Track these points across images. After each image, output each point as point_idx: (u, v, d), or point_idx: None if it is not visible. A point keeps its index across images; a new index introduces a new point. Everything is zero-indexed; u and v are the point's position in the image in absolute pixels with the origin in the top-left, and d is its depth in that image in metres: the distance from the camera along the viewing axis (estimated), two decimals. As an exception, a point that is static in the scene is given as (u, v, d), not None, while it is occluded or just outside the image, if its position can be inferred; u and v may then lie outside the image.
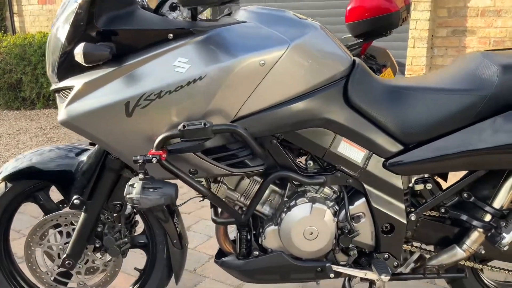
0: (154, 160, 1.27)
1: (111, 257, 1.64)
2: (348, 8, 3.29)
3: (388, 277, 1.46)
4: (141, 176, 1.26)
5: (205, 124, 1.27)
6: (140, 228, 1.73)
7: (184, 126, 1.27)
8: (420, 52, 4.48)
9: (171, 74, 1.29)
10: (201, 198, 1.46)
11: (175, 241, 1.63)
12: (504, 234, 1.42)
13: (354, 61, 1.47)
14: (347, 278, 1.68)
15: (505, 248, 1.43)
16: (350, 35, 3.41)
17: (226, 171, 1.38)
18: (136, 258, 1.97)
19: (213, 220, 1.56)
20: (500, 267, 1.64)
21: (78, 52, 1.27)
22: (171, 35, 1.30)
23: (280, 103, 1.36)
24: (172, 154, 1.33)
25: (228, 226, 1.63)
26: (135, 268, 1.76)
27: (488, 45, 4.28)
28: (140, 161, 1.27)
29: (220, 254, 1.64)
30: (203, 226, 2.68)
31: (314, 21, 1.47)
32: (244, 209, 1.53)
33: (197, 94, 1.29)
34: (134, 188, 1.26)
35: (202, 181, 1.50)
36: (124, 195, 1.27)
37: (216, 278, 2.15)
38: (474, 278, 1.71)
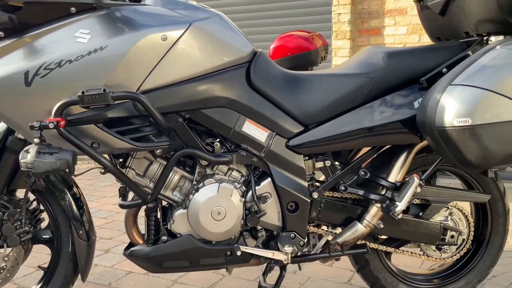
0: (51, 125, 1.26)
1: (11, 250, 1.55)
2: (272, 47, 3.51)
3: (291, 249, 1.49)
4: (36, 140, 1.25)
5: (104, 90, 1.29)
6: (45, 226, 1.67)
7: (83, 92, 1.29)
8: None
9: (72, 44, 1.32)
10: (103, 170, 1.44)
11: (80, 232, 1.58)
12: (397, 203, 1.51)
13: (257, 51, 1.57)
14: (262, 272, 1.69)
15: (399, 217, 1.51)
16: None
17: (129, 145, 1.39)
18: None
19: (120, 205, 1.54)
20: (404, 250, 1.71)
21: None
22: (74, 9, 1.34)
23: (184, 81, 1.42)
24: (73, 125, 1.33)
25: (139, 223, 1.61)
26: (39, 266, 1.67)
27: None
28: (36, 126, 1.25)
29: (130, 247, 1.61)
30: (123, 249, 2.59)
31: (217, 11, 1.58)
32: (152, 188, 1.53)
33: (97, 64, 1.32)
34: (28, 153, 1.23)
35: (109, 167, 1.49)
36: (19, 160, 1.24)
37: (132, 291, 2.07)
38: (382, 264, 1.77)
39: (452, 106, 1.27)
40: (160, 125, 1.40)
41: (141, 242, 1.60)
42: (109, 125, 1.39)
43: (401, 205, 1.50)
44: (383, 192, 1.57)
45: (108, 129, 1.37)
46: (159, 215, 1.58)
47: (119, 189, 1.58)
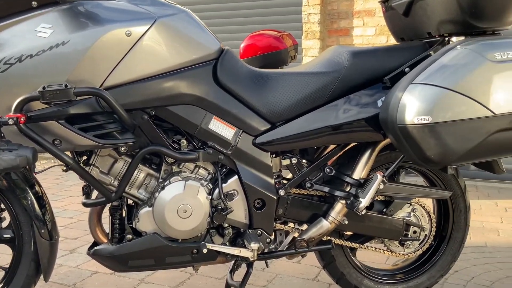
0: (10, 121, 1.23)
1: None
2: (242, 45, 3.52)
3: (257, 245, 1.49)
4: (-5, 137, 1.22)
5: (66, 86, 1.27)
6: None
7: (44, 88, 1.26)
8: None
9: (33, 39, 1.29)
10: (64, 168, 1.41)
11: (42, 231, 1.54)
12: (361, 199, 1.54)
13: (224, 48, 1.57)
14: (230, 269, 1.69)
15: (362, 213, 1.54)
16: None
17: (92, 142, 1.37)
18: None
19: (83, 204, 1.52)
20: (368, 245, 1.75)
21: None
22: (35, 3, 1.31)
23: (150, 77, 1.41)
24: (33, 122, 1.30)
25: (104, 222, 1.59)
26: (0, 266, 1.62)
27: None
28: (-5, 122, 1.22)
29: (94, 246, 1.58)
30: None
31: (184, 8, 1.57)
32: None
33: (59, 59, 1.29)
34: (-13, 150, 1.20)
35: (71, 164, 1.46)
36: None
37: (97, 291, 2.04)
38: (347, 260, 1.80)
39: (413, 104, 1.30)
40: (124, 122, 1.38)
41: (105, 241, 1.58)
42: (72, 122, 1.36)
43: (364, 202, 1.53)
44: (347, 189, 1.60)
45: (70, 125, 1.35)
46: (124, 214, 1.57)
47: (82, 187, 1.56)
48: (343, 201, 1.59)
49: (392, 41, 4.77)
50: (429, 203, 1.83)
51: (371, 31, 4.81)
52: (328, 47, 4.88)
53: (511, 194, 3.91)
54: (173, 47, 1.42)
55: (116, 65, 1.36)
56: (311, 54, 4.90)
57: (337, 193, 1.58)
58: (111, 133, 1.42)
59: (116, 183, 1.51)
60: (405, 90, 1.33)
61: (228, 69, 1.52)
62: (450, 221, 1.85)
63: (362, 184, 1.58)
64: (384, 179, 1.56)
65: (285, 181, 1.63)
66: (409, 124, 1.30)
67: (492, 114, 1.29)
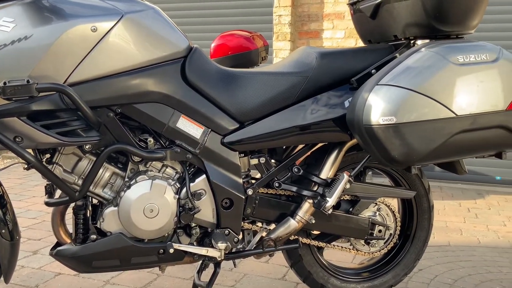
0: (-32, 118, 1.18)
1: None
2: (213, 45, 3.51)
3: (225, 245, 1.49)
4: (-49, 134, 1.17)
5: (28, 81, 1.23)
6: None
7: (4, 83, 1.22)
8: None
9: (-6, 32, 1.25)
10: (26, 166, 1.37)
11: (3, 231, 1.49)
12: (327, 198, 1.55)
13: (192, 47, 1.56)
14: (197, 269, 1.68)
15: (329, 212, 1.56)
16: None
17: (55, 140, 1.33)
18: None
19: (46, 203, 1.48)
20: (335, 244, 1.77)
21: None
22: (-4, -5, 1.27)
23: (116, 74, 1.38)
24: (-6, 118, 1.26)
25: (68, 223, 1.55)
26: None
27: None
28: (-48, 118, 1.18)
29: (57, 247, 1.54)
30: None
31: (153, 4, 1.55)
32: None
33: (21, 54, 1.26)
34: None
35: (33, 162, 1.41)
36: None
37: (61, 293, 1.99)
38: (314, 259, 1.81)
39: (378, 105, 1.32)
40: (89, 119, 1.35)
41: (68, 241, 1.54)
42: (34, 119, 1.32)
43: (331, 201, 1.54)
44: (315, 189, 1.61)
45: (32, 122, 1.31)
46: (88, 213, 1.53)
47: (45, 187, 1.51)
48: (311, 201, 1.60)
49: (360, 44, 4.85)
50: (394, 202, 1.87)
51: (341, 34, 4.87)
52: (298, 49, 4.94)
53: (474, 194, 4.03)
54: (140, 44, 1.40)
55: (81, 61, 1.33)
56: (282, 55, 4.92)
57: (305, 192, 1.59)
58: (75, 130, 1.38)
59: (80, 182, 1.48)
60: (371, 91, 1.35)
61: (197, 68, 1.51)
62: (414, 220, 1.89)
63: (329, 184, 1.60)
64: (350, 178, 1.58)
65: (253, 181, 1.62)
66: (375, 124, 1.32)
67: (454, 116, 1.33)
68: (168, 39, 1.47)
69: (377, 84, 1.35)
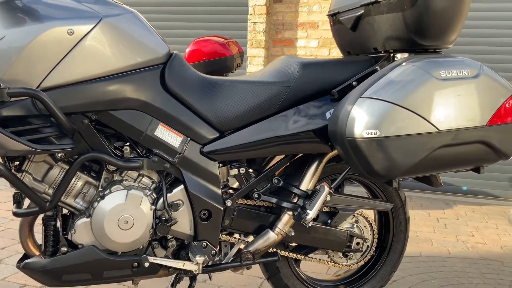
0: None
1: None
2: (187, 50, 3.46)
3: (203, 259, 1.45)
4: None
5: (-1, 85, 1.17)
6: None
7: (-27, 87, 1.15)
8: (255, 99, 4.82)
9: (-36, 33, 1.18)
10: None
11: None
12: (308, 211, 1.53)
13: (172, 53, 1.52)
14: (171, 282, 1.62)
15: (309, 224, 1.54)
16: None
17: (26, 148, 1.26)
18: None
19: (14, 213, 1.40)
20: (312, 257, 1.74)
21: None
22: (-34, -6, 1.20)
23: (92, 79, 1.33)
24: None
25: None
26: None
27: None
28: None
29: (24, 259, 1.46)
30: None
31: (132, 8, 1.50)
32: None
33: (-7, 56, 1.19)
34: None
35: (2, 170, 1.34)
36: None
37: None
38: (291, 271, 1.78)
39: (361, 118, 1.31)
40: (62, 126, 1.29)
41: (37, 253, 1.46)
42: (4, 125, 1.25)
43: (311, 213, 1.52)
44: (295, 200, 1.59)
45: (2, 129, 1.24)
46: (58, 224, 1.46)
47: (13, 195, 1.44)
48: (290, 213, 1.57)
49: (334, 54, 4.89)
50: (371, 214, 1.87)
51: (314, 43, 4.91)
52: (272, 57, 4.94)
53: (442, 205, 4.11)
54: (118, 49, 1.35)
55: (56, 65, 1.27)
56: (256, 62, 4.91)
57: (285, 204, 1.57)
58: (47, 138, 1.32)
59: (50, 191, 1.40)
60: (354, 103, 1.34)
61: (177, 74, 1.47)
62: (391, 232, 1.89)
63: (310, 196, 1.58)
64: (331, 190, 1.57)
65: (232, 191, 1.59)
66: (358, 137, 1.31)
67: (436, 130, 1.33)
68: (147, 44, 1.43)
69: (360, 97, 1.34)
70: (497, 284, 2.36)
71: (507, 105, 1.40)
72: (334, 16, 1.79)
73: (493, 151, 1.42)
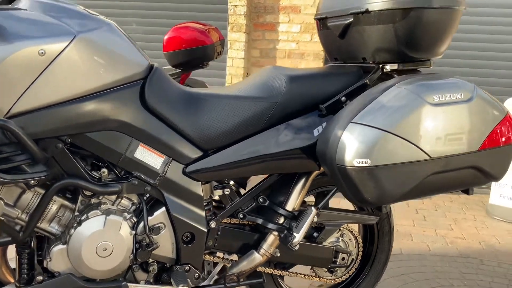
0: None
1: None
2: (166, 37, 3.32)
3: (186, 286, 1.40)
4: None
5: (-37, 116, 1.07)
6: None
7: None
8: (236, 87, 4.73)
9: None
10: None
11: None
12: (294, 234, 1.49)
13: (152, 66, 1.43)
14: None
15: (296, 248, 1.50)
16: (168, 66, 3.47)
17: (-5, 178, 1.18)
18: None
19: (-16, 243, 1.31)
20: (297, 272, 1.72)
21: None
22: None
23: (67, 101, 1.24)
24: None
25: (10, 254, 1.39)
26: None
27: (294, 83, 4.73)
28: None
29: (-2, 286, 1.39)
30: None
31: (109, 20, 1.40)
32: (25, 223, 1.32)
33: (-45, 82, 1.09)
34: None
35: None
36: None
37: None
38: (275, 286, 1.76)
39: (352, 145, 1.26)
40: (34, 156, 1.20)
41: (12, 280, 1.40)
42: (-30, 155, 1.16)
43: (298, 237, 1.48)
44: (281, 221, 1.54)
45: (-32, 159, 1.15)
46: (33, 251, 1.38)
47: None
48: (276, 233, 1.53)
49: (316, 39, 4.79)
50: (355, 226, 1.84)
51: (296, 28, 4.80)
52: (253, 41, 4.81)
53: (421, 195, 4.14)
54: (95, 67, 1.26)
55: (27, 89, 1.17)
56: (237, 47, 4.78)
57: (270, 225, 1.52)
58: (19, 166, 1.23)
59: (24, 216, 1.32)
60: (345, 128, 1.29)
61: (157, 91, 1.39)
62: (375, 243, 1.87)
63: (296, 217, 1.53)
64: (318, 211, 1.53)
65: (216, 211, 1.53)
66: (348, 165, 1.26)
67: (428, 158, 1.29)
68: (126, 59, 1.34)
69: (352, 122, 1.29)
70: (477, 286, 2.39)
71: (498, 129, 1.37)
72: (321, 21, 1.72)
73: (483, 175, 1.40)
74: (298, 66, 4.71)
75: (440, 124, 1.30)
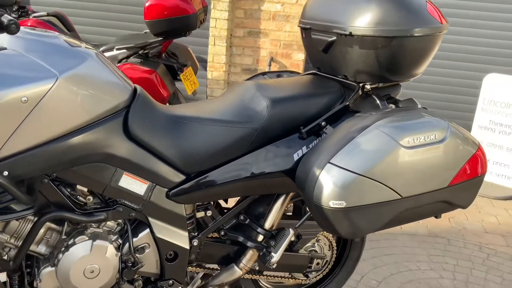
0: None
1: None
2: (147, 4, 3.24)
3: (170, 303, 1.50)
4: None
5: None
6: None
7: None
8: (220, 50, 4.66)
9: None
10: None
11: None
12: (272, 253, 1.58)
13: (135, 89, 1.44)
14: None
15: (274, 266, 1.60)
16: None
17: (-18, 220, 1.22)
18: None
19: (-25, 269, 1.38)
20: (275, 275, 1.83)
21: None
22: None
23: (51, 140, 1.26)
24: None
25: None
26: None
27: (279, 47, 4.68)
28: None
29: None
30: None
31: (90, 48, 1.38)
32: (14, 252, 1.38)
33: None
34: None
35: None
36: None
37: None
38: (252, 284, 1.88)
39: (329, 187, 1.32)
40: (19, 200, 1.24)
41: (3, 296, 1.47)
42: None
43: (276, 257, 1.57)
44: (260, 239, 1.62)
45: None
46: (23, 267, 1.45)
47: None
48: (255, 250, 1.62)
49: (302, 1, 4.67)
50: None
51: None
52: (238, 1, 4.65)
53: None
54: (79, 104, 1.28)
55: (10, 135, 1.18)
56: (220, 7, 4.63)
57: (249, 243, 1.60)
58: (6, 206, 1.26)
59: (13, 241, 1.38)
60: (323, 168, 1.34)
61: (141, 119, 1.41)
62: (348, 242, 1.98)
63: (275, 236, 1.62)
64: (296, 231, 1.61)
65: (198, 228, 1.60)
66: (325, 206, 1.32)
67: (400, 197, 1.36)
68: (109, 90, 1.35)
69: (329, 162, 1.34)
70: (442, 270, 2.57)
71: (468, 165, 1.44)
72: (305, 30, 1.72)
73: (451, 206, 1.48)
74: (282, 29, 4.63)
75: (412, 166, 1.36)
